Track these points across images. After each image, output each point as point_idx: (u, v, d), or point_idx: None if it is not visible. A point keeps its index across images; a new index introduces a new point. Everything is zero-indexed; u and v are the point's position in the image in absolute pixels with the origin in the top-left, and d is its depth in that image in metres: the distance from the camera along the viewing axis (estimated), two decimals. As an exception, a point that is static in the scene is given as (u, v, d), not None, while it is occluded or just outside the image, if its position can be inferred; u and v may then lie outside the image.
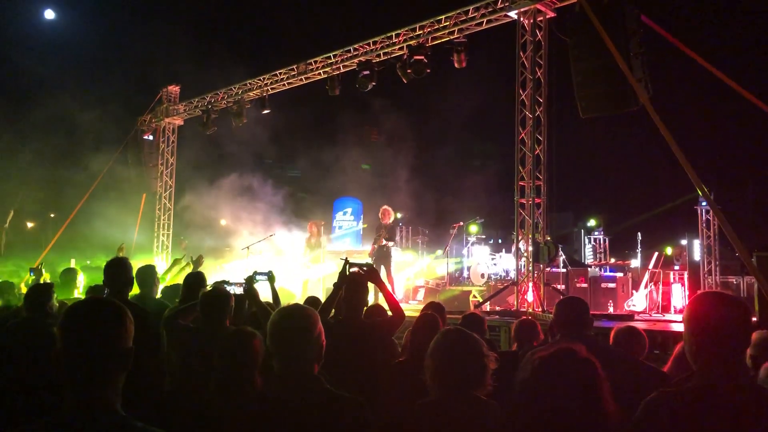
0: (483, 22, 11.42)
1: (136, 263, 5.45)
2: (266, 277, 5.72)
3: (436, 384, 2.75)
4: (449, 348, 2.78)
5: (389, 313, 4.53)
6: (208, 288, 4.52)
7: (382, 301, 4.71)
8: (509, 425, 1.94)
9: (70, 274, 5.72)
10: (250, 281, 4.94)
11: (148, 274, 5.36)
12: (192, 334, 3.88)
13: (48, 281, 5.31)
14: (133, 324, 1.82)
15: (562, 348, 2.00)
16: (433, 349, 2.82)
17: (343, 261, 4.60)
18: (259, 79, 15.23)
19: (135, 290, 5.16)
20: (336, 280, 4.49)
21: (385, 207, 12.28)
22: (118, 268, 4.84)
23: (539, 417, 1.79)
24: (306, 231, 13.95)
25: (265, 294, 5.00)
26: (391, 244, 11.92)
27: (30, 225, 29.88)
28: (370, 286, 4.55)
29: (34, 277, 5.82)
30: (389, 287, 9.58)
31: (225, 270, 13.78)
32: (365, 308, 4.71)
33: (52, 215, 26.31)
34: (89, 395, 1.70)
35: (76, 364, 1.71)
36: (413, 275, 15.03)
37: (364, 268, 4.57)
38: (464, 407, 2.65)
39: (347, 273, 4.48)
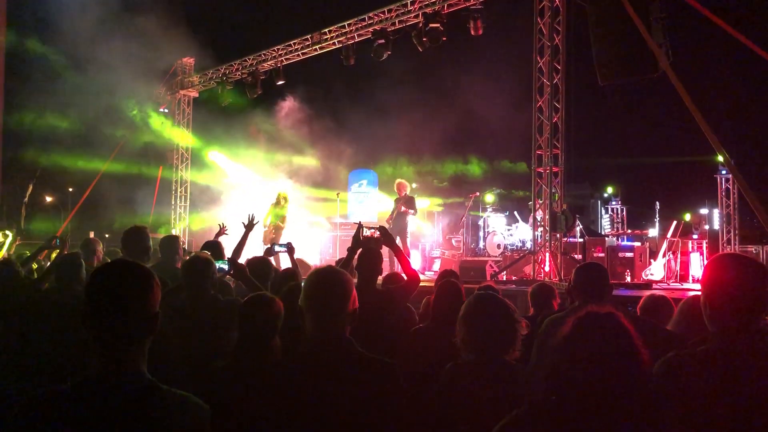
0: (500, -13, 11.26)
1: (155, 236, 5.44)
2: (285, 248, 5.79)
3: (469, 347, 2.77)
4: (483, 313, 2.79)
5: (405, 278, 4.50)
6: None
7: (398, 269, 4.69)
8: (540, 392, 1.83)
9: (91, 245, 5.73)
10: (268, 253, 4.94)
11: (171, 243, 5.37)
12: (176, 308, 3.69)
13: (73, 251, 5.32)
14: (161, 289, 1.80)
15: (594, 311, 1.81)
16: (466, 314, 2.83)
17: (357, 225, 4.64)
18: (273, 50, 15.11)
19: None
20: (350, 245, 4.52)
21: (399, 180, 12.22)
22: (135, 236, 4.89)
23: (576, 386, 1.70)
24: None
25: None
26: (411, 213, 11.84)
27: (49, 199, 30.27)
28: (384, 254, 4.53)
29: (59, 246, 5.79)
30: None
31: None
32: (382, 276, 4.70)
33: (70, 189, 26.61)
34: (116, 358, 1.69)
35: (104, 327, 1.70)
36: (428, 246, 15.01)
37: (378, 232, 4.58)
38: (495, 370, 2.68)
39: (361, 237, 4.49)
